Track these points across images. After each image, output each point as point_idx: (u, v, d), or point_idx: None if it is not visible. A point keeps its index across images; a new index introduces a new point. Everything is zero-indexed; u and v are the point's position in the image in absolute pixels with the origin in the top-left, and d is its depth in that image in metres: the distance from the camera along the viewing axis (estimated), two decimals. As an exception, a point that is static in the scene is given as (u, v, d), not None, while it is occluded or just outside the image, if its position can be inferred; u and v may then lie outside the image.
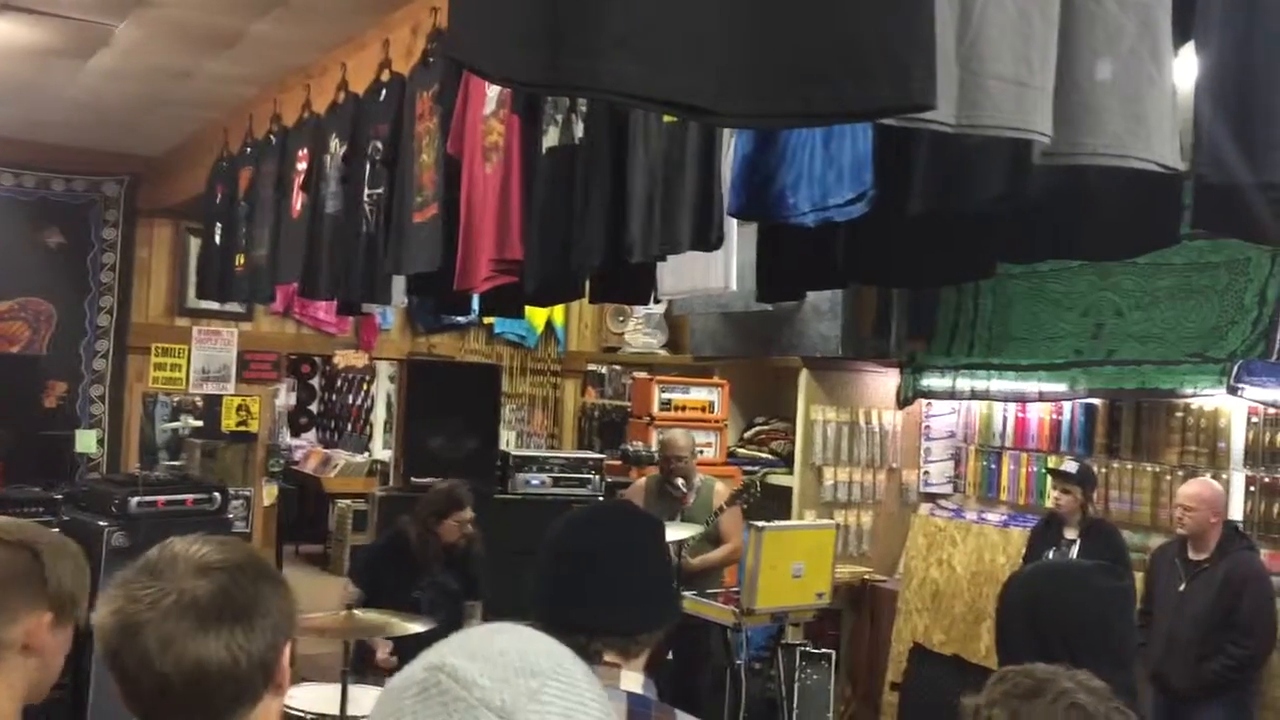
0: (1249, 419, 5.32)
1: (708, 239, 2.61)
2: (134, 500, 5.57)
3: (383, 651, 4.53)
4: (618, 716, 1.68)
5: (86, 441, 6.90)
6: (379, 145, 3.86)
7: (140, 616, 1.31)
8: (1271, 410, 5.13)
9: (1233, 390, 4.95)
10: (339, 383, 13.02)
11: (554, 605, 1.80)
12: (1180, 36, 1.90)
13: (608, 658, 1.77)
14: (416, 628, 3.94)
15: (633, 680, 1.77)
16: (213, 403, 7.32)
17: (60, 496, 6.17)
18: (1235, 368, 4.93)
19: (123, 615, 1.32)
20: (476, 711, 0.82)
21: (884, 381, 6.93)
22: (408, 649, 4.12)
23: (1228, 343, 5.26)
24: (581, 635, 1.74)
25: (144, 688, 1.31)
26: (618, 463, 7.10)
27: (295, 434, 12.58)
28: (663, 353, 8.35)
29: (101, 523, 5.52)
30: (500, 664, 0.85)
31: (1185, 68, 1.94)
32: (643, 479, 6.05)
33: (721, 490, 5.75)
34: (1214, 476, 5.25)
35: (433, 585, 4.88)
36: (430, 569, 4.87)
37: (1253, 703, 4.80)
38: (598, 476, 6.91)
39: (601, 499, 6.69)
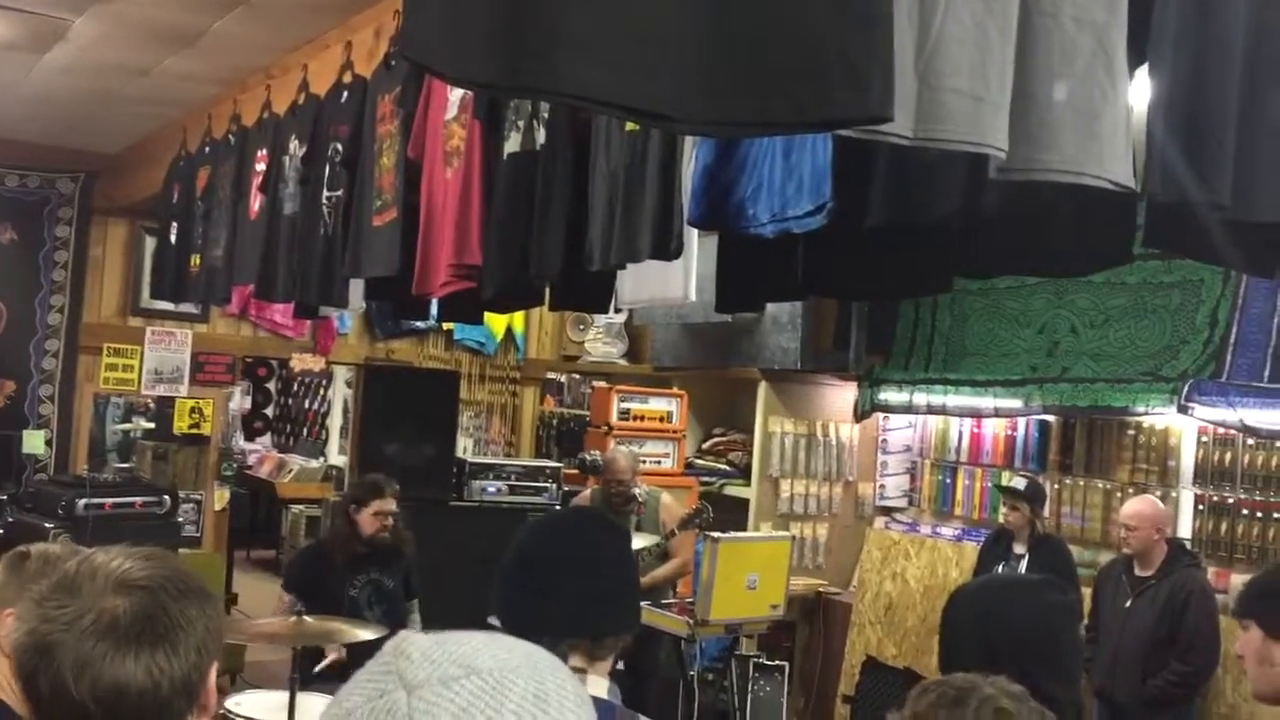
0: (1199, 438, 5.40)
1: (667, 248, 2.61)
2: (81, 502, 5.49)
3: (334, 652, 4.47)
4: None
5: (34, 442, 6.78)
6: (339, 147, 3.83)
7: (55, 638, 1.23)
8: (1221, 430, 5.21)
9: (1183, 409, 5.02)
10: (295, 387, 12.91)
11: (520, 609, 1.82)
12: (1135, 58, 1.92)
13: (573, 662, 1.79)
14: (365, 634, 3.90)
15: (598, 686, 1.79)
16: (165, 405, 7.21)
17: (6, 498, 6.06)
18: (1186, 387, 5.01)
19: (37, 636, 1.24)
20: (390, 678, 0.84)
21: (842, 395, 6.97)
22: (360, 653, 4.08)
23: (1179, 362, 5.33)
24: (547, 638, 1.75)
25: (59, 713, 1.24)
26: (575, 471, 7.09)
27: (250, 438, 12.45)
28: (622, 362, 8.34)
29: (47, 525, 5.43)
30: (446, 650, 0.85)
31: (1140, 89, 1.97)
32: (588, 490, 6.04)
33: (669, 502, 5.74)
34: (1163, 494, 5.32)
35: (369, 583, 4.82)
36: (359, 564, 4.81)
37: (1196, 718, 4.86)
38: (555, 485, 6.89)
39: (557, 507, 6.67)
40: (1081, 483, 5.89)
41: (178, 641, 1.27)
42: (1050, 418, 5.98)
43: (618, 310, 4.86)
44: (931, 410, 6.41)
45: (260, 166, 4.36)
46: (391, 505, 4.84)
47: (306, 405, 12.90)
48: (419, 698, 0.82)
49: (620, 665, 5.12)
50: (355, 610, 4.64)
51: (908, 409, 6.55)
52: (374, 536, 4.79)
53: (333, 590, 4.68)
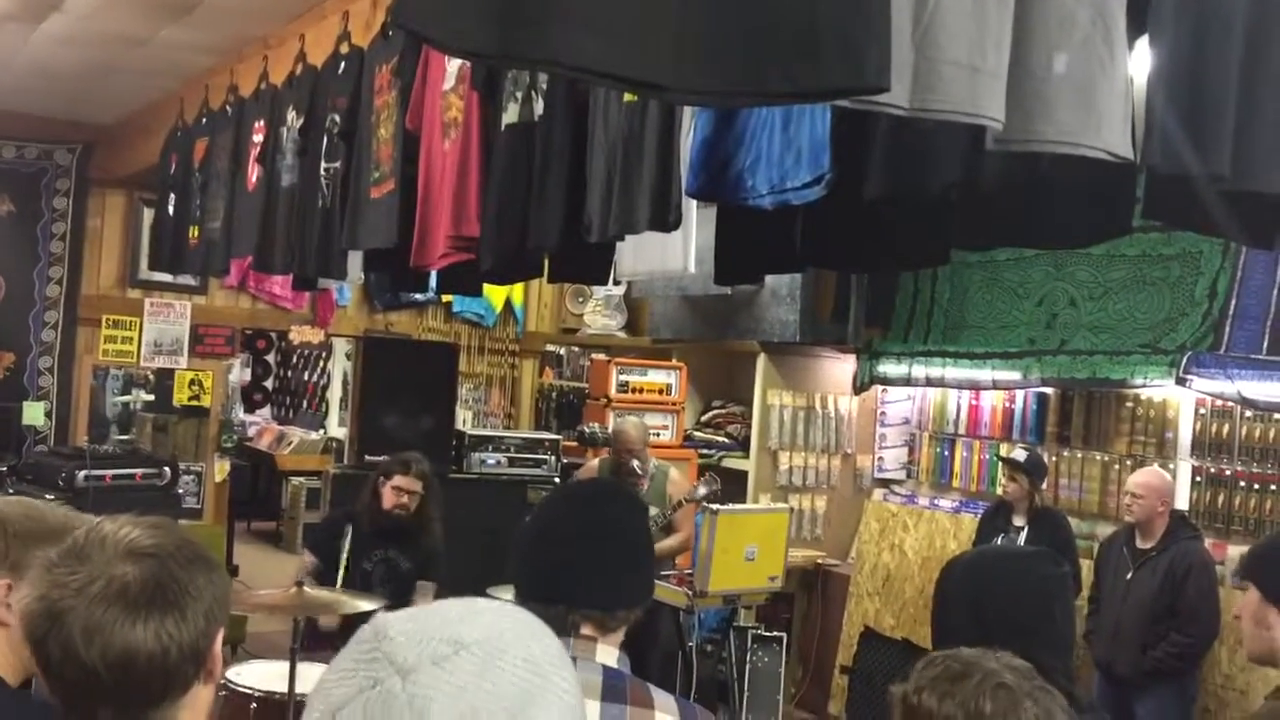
0: (1197, 410, 5.40)
1: (666, 220, 2.61)
2: (81, 474, 5.49)
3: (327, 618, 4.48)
4: (592, 689, 1.70)
5: (34, 414, 6.79)
6: (337, 118, 3.82)
7: (65, 604, 1.25)
8: (1219, 402, 5.21)
9: (1181, 381, 5.02)
10: (294, 359, 12.92)
11: (535, 579, 1.84)
12: (1135, 29, 1.91)
13: (585, 630, 1.81)
14: (365, 605, 3.92)
15: (608, 654, 1.80)
16: (165, 377, 7.22)
17: (6, 469, 6.07)
18: (1184, 359, 5.01)
19: (48, 602, 1.26)
20: (379, 665, 0.82)
21: (841, 367, 6.97)
22: (353, 620, 4.08)
23: (1178, 334, 5.33)
24: (559, 608, 1.78)
25: (69, 677, 1.26)
26: (574, 444, 7.10)
27: (249, 410, 12.47)
28: (621, 334, 8.34)
29: (48, 496, 5.44)
30: (428, 627, 0.85)
31: (1139, 60, 1.96)
32: (595, 460, 6.04)
33: (676, 477, 5.74)
34: (1162, 466, 5.33)
35: (383, 561, 4.82)
36: (379, 540, 4.81)
37: (1195, 689, 4.89)
38: (554, 457, 6.90)
39: (557, 479, 6.69)
40: (1080, 455, 5.90)
41: (186, 608, 1.29)
42: (1049, 390, 5.99)
43: (617, 282, 4.87)
44: (930, 382, 6.42)
45: (258, 138, 4.35)
46: (414, 485, 4.80)
47: (306, 377, 12.91)
48: (413, 681, 0.81)
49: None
50: (366, 585, 4.64)
51: (906, 381, 6.56)
52: (391, 511, 4.78)
53: (349, 561, 4.68)
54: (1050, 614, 2.03)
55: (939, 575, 2.13)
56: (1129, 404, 5.68)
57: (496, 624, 0.86)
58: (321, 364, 12.65)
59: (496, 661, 0.83)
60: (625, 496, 2.07)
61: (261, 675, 3.98)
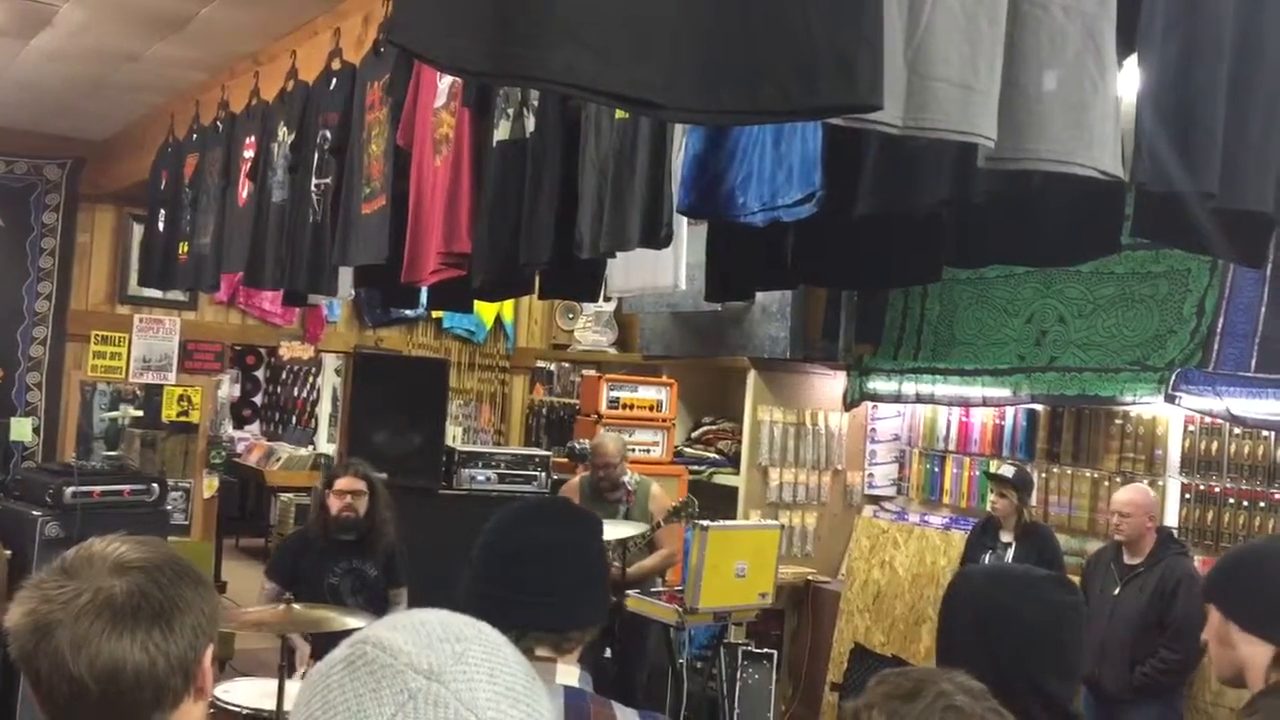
0: (1185, 427, 5.42)
1: (657, 237, 2.61)
2: (69, 490, 5.46)
3: (301, 660, 4.46)
4: (556, 711, 1.68)
5: (22, 430, 6.75)
6: (328, 134, 3.82)
7: (53, 617, 1.26)
8: (1207, 419, 5.23)
9: (1170, 399, 5.04)
10: (284, 375, 12.89)
11: (486, 601, 1.79)
12: (1124, 48, 1.93)
13: (540, 653, 1.78)
14: (353, 622, 3.89)
15: (568, 674, 1.77)
16: (153, 392, 7.19)
17: (-7, 485, 6.04)
18: (1173, 376, 5.03)
19: (36, 616, 1.27)
20: (404, 675, 0.83)
21: (831, 384, 6.98)
22: (327, 648, 4.05)
23: (1167, 352, 5.35)
24: (513, 632, 1.74)
25: (58, 691, 1.27)
26: (564, 460, 7.09)
27: (238, 426, 12.43)
28: (612, 351, 8.34)
29: (35, 513, 5.41)
30: (423, 632, 0.87)
31: (1129, 78, 1.97)
32: (577, 478, 6.03)
33: (658, 492, 5.73)
34: (1150, 483, 5.35)
35: (350, 572, 4.78)
36: (338, 552, 4.76)
37: (1183, 705, 4.89)
38: (544, 473, 6.89)
39: (535, 495, 6.67)
40: (1069, 471, 5.91)
41: (173, 620, 1.30)
42: (1038, 407, 6.01)
43: (607, 299, 4.87)
44: (920, 399, 6.43)
45: (248, 154, 4.35)
46: (355, 484, 4.76)
47: (295, 393, 12.88)
48: (451, 680, 0.83)
49: (608, 653, 5.16)
50: (337, 598, 4.62)
51: (896, 398, 6.57)
52: (340, 516, 4.73)
53: (312, 577, 4.65)
54: (1059, 640, 1.99)
55: (946, 591, 2.09)
56: (1118, 421, 5.70)
57: (469, 619, 0.93)
58: (311, 380, 12.62)
59: (500, 647, 0.89)
60: (573, 514, 2.03)
61: (249, 693, 3.96)
